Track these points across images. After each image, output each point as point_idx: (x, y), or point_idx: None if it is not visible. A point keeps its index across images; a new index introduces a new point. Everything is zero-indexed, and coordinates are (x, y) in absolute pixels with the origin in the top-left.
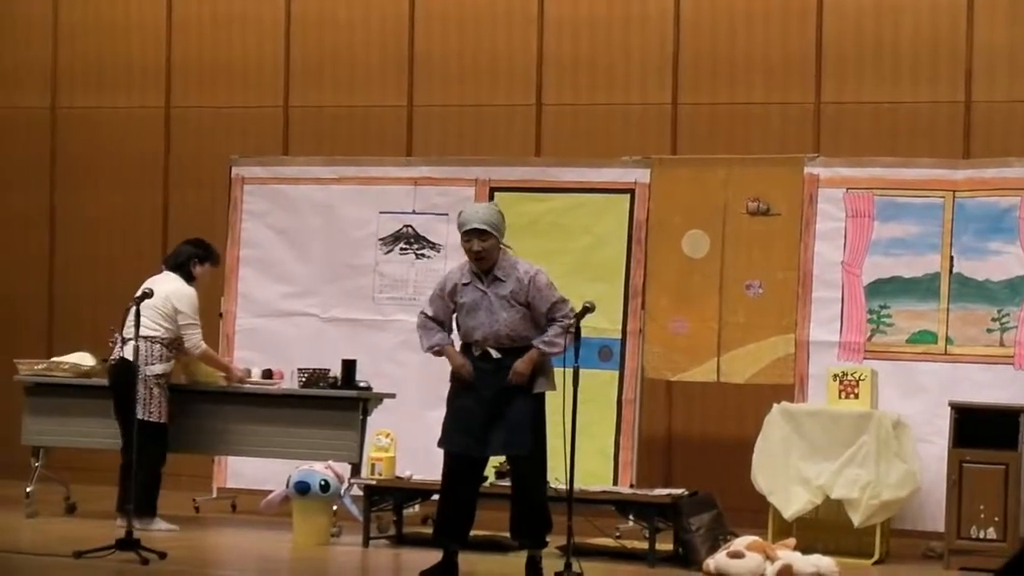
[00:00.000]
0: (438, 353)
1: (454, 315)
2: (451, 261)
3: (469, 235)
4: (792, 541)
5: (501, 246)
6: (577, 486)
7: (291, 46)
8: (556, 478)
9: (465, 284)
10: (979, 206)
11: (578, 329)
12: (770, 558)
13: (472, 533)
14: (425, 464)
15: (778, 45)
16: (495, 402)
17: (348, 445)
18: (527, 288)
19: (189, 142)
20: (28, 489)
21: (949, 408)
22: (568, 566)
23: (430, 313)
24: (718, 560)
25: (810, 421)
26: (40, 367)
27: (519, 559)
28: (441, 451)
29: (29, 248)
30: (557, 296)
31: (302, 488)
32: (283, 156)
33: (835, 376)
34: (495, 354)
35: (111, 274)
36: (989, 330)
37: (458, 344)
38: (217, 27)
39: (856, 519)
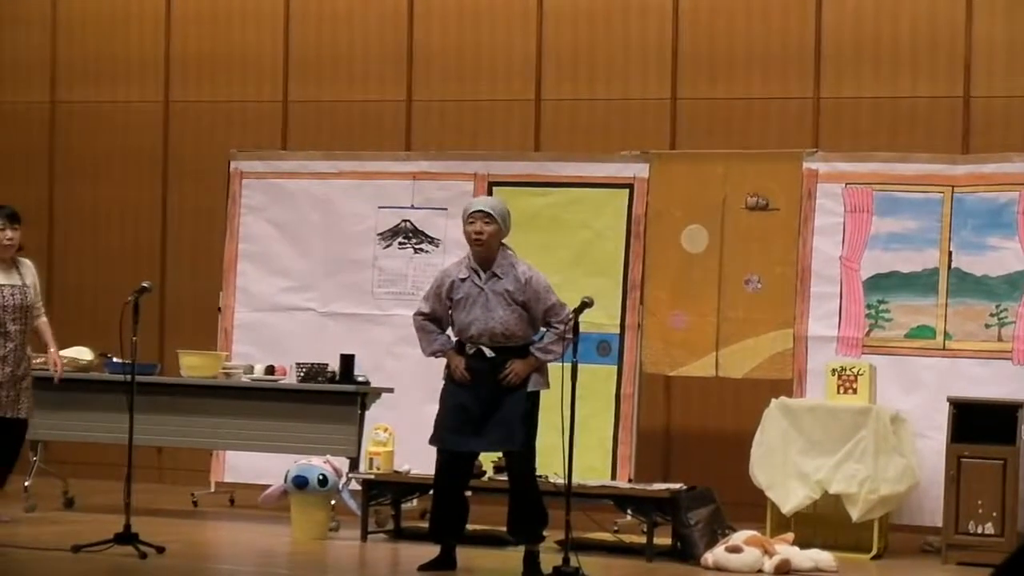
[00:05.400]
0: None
1: (450, 312)
2: (449, 256)
3: (473, 217)
4: (790, 536)
5: (503, 244)
6: (575, 481)
7: (290, 40)
8: (555, 473)
9: (463, 279)
10: (978, 201)
11: (576, 324)
12: (768, 553)
13: (470, 528)
14: (423, 459)
15: (777, 39)
16: (489, 399)
17: (346, 440)
18: (524, 288)
19: (188, 136)
20: (26, 483)
21: (947, 403)
22: (566, 560)
23: (427, 310)
24: (716, 554)
25: (808, 416)
26: (39, 361)
27: (517, 554)
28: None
29: (28, 241)
30: (553, 300)
31: (300, 482)
32: (282, 150)
33: (833, 371)
34: (489, 353)
35: (109, 268)
36: (987, 325)
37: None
38: (216, 21)
39: (854, 514)
